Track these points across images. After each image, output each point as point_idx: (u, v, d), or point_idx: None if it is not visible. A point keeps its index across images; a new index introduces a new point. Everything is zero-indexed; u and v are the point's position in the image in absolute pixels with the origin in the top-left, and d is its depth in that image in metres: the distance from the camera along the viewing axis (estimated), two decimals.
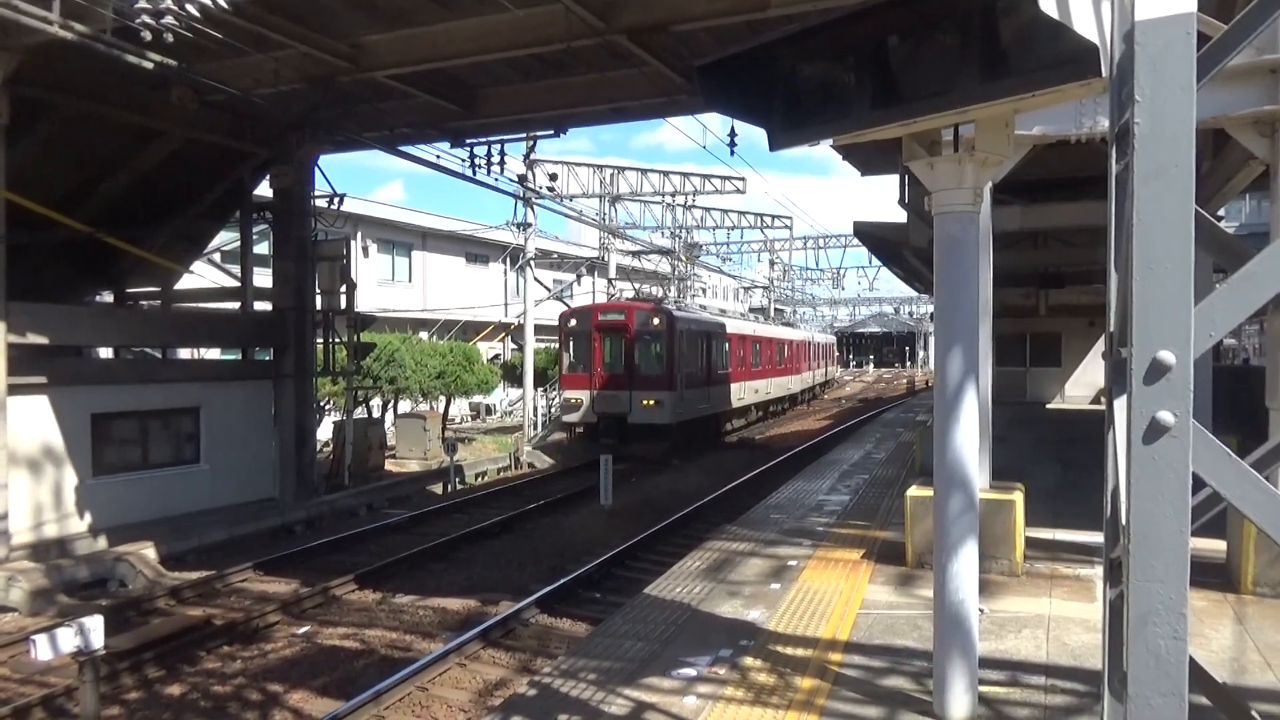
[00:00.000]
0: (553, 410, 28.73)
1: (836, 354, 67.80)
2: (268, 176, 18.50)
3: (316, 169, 18.52)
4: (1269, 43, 6.85)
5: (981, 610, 6.67)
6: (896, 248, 18.67)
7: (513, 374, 32.50)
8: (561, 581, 11.65)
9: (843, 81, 4.67)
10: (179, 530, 14.43)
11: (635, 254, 36.96)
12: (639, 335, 23.74)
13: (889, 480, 14.64)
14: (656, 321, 23.73)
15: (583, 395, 23.65)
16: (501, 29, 12.73)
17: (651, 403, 22.93)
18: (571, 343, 24.67)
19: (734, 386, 30.06)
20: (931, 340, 6.44)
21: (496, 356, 38.10)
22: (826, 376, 56.35)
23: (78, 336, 15.36)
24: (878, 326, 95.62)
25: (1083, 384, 24.56)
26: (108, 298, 20.30)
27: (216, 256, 21.71)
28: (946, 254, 5.44)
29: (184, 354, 22.21)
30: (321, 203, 18.96)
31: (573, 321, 24.78)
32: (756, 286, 61.41)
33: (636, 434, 23.05)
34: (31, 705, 8.14)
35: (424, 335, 33.19)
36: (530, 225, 31.41)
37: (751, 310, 58.26)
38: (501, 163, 19.18)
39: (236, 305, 19.08)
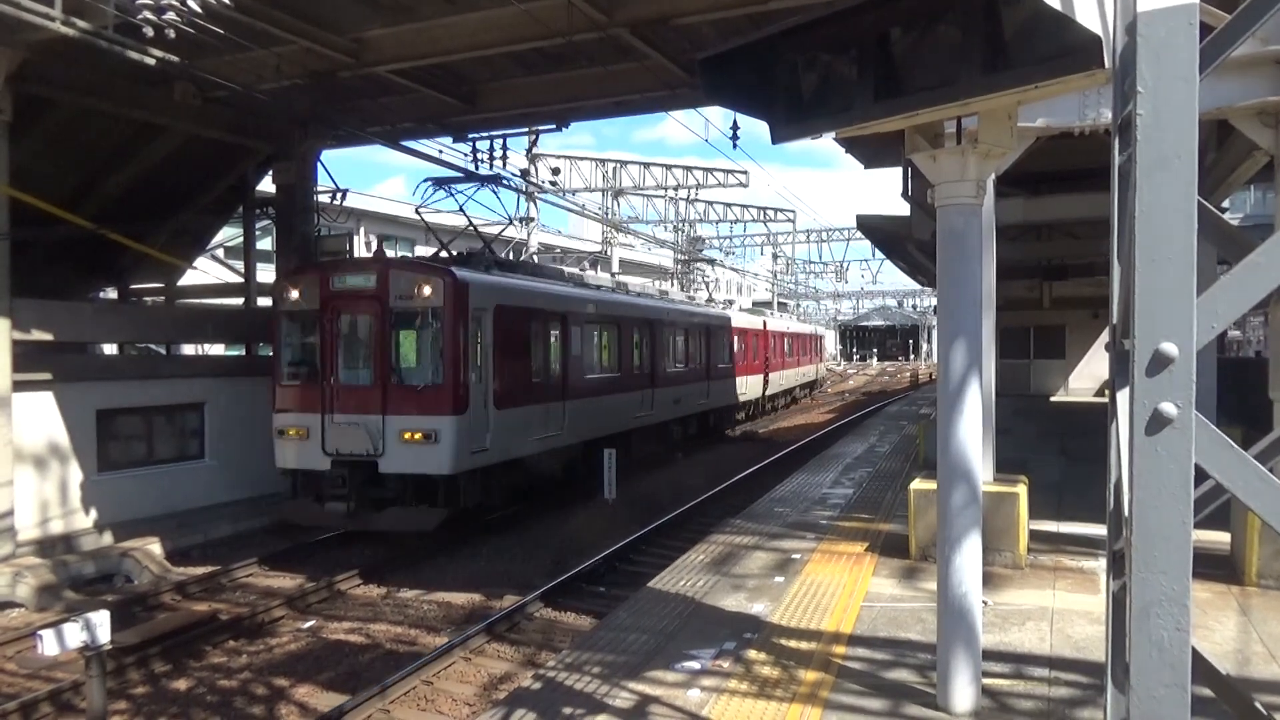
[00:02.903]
0: None
1: (837, 347, 64.62)
2: (270, 172, 18.52)
3: (319, 164, 18.54)
4: (1274, 33, 6.82)
5: (985, 603, 6.67)
6: (900, 241, 18.66)
7: None
8: (565, 576, 11.67)
9: (845, 74, 4.66)
10: (184, 526, 14.46)
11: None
12: (399, 316, 13.47)
13: (892, 473, 14.64)
14: (428, 290, 13.16)
15: (309, 423, 13.52)
16: (503, 23, 12.73)
17: (417, 436, 12.93)
18: (292, 331, 14.34)
19: (622, 399, 19.35)
20: (935, 333, 6.45)
21: None
22: (809, 377, 44.39)
23: (82, 333, 15.39)
24: (881, 320, 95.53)
25: (1087, 376, 24.53)
26: (111, 294, 20.35)
27: (220, 252, 21.76)
28: (949, 246, 5.44)
29: (188, 350, 22.28)
30: (324, 198, 18.98)
31: (292, 294, 14.03)
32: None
33: (398, 492, 13.19)
34: (39, 700, 8.17)
35: None
36: (533, 220, 31.44)
37: (755, 304, 56.20)
38: (504, 157, 19.20)
39: (240, 301, 19.11)
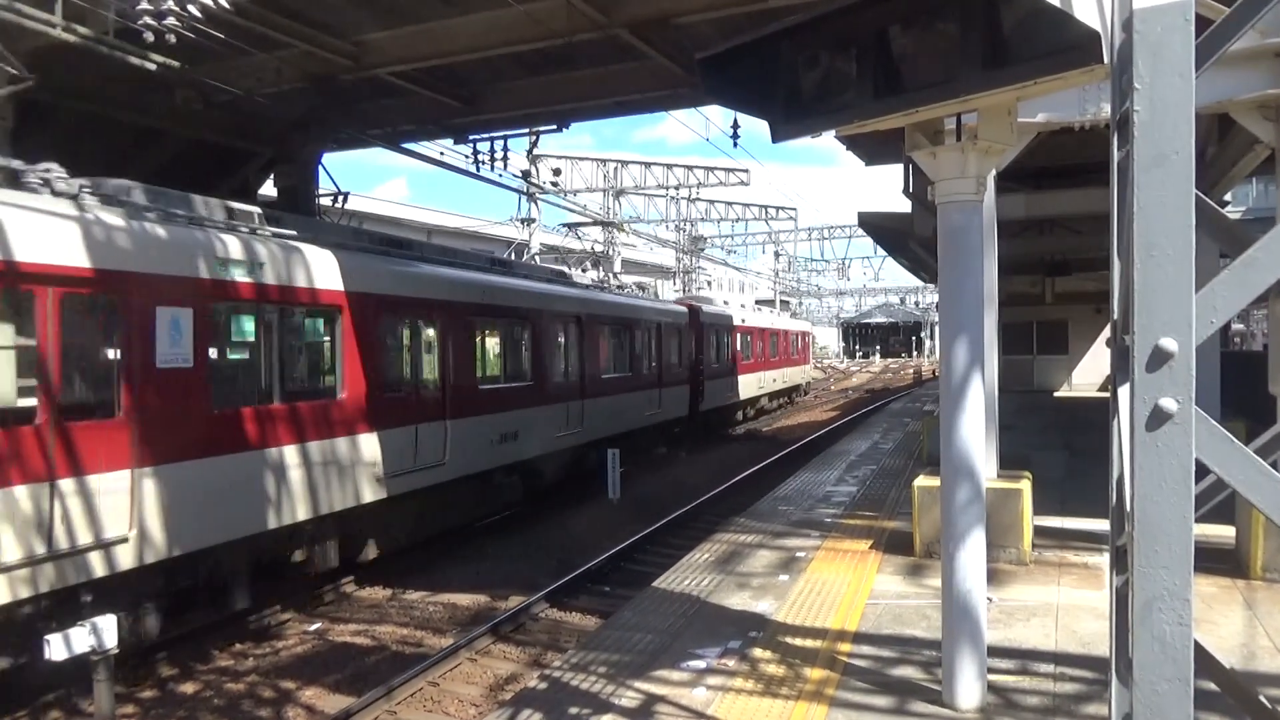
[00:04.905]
0: None
1: (839, 344, 63.46)
2: (272, 176, 18.55)
3: (320, 167, 18.57)
4: (1274, 26, 6.82)
5: (990, 599, 6.68)
6: (901, 237, 18.66)
7: None
8: (570, 576, 11.68)
9: (845, 72, 4.67)
10: None
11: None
12: None
13: (896, 470, 14.64)
14: None
15: None
16: (503, 24, 12.75)
17: None
18: None
19: (369, 442, 10.90)
20: (937, 330, 6.45)
21: None
22: (779, 384, 35.09)
23: None
24: (883, 317, 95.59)
25: (1090, 371, 24.54)
26: None
27: None
28: (950, 243, 5.44)
29: None
30: (326, 201, 19.00)
31: None
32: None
33: None
34: (48, 704, 8.19)
35: None
36: (534, 220, 31.48)
37: (758, 302, 55.54)
38: (505, 158, 19.22)
39: None
